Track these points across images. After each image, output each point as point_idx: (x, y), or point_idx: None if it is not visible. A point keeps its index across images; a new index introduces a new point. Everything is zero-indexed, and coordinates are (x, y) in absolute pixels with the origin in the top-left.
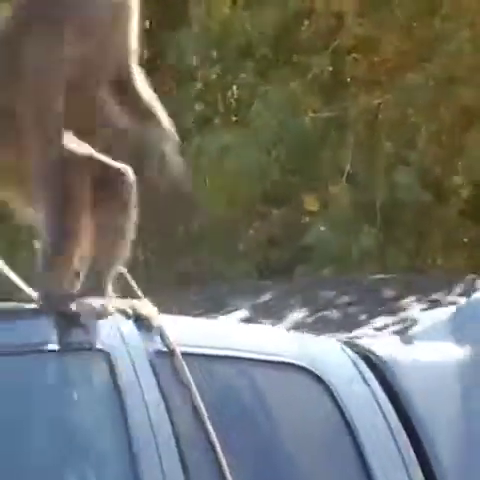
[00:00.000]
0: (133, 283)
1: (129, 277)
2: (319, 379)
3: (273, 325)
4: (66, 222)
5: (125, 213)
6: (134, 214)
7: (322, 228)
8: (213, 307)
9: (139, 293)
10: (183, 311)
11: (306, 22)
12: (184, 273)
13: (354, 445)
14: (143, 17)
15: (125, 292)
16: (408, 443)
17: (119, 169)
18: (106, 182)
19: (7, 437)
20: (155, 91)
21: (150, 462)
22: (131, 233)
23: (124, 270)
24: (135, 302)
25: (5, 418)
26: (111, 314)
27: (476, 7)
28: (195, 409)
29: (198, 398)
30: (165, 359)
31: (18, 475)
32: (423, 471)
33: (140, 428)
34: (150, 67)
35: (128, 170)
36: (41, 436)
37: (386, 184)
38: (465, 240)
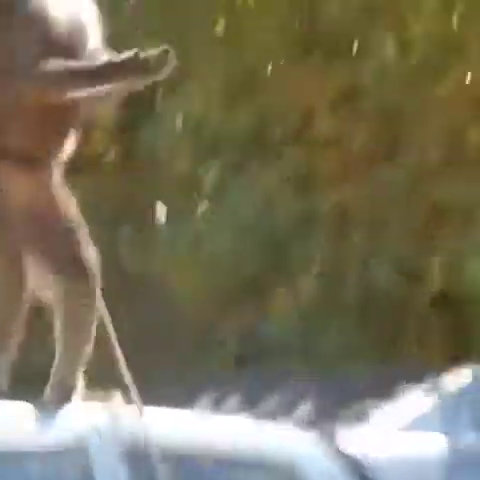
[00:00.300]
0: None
1: (124, 368)
2: (297, 474)
3: (250, 417)
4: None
5: (90, 308)
6: (96, 308)
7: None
8: (189, 398)
9: (127, 380)
10: (157, 402)
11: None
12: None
13: None
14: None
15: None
16: None
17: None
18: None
19: None
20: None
21: None
22: (92, 325)
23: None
24: (109, 396)
25: None
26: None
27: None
28: None
29: None
30: (138, 454)
31: None
32: None
33: None
34: (122, 161)
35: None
36: None
37: (358, 275)
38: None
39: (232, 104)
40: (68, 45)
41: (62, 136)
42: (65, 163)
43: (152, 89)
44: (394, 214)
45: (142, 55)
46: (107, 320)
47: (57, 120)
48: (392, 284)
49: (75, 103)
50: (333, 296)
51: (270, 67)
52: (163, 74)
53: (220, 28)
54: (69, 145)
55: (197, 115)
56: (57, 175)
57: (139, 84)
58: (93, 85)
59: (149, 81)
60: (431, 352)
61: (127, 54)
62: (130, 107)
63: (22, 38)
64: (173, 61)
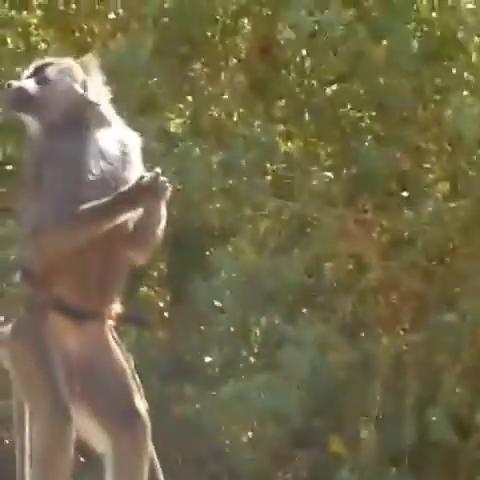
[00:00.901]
0: None
1: None
2: None
3: None
4: None
5: (141, 459)
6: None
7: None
8: None
9: None
10: None
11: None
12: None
13: None
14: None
15: None
16: None
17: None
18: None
19: None
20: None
21: None
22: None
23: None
24: None
25: None
26: None
27: None
28: None
29: None
30: None
31: None
32: None
33: None
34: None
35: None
36: None
37: (415, 425)
38: None
39: (284, 253)
40: (113, 177)
41: (113, 289)
42: (117, 315)
43: (204, 239)
44: (451, 359)
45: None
46: (157, 471)
47: (107, 273)
48: (446, 434)
49: (122, 256)
50: (390, 443)
51: (318, 215)
52: (164, 199)
53: (269, 177)
54: (119, 298)
55: (249, 265)
56: (109, 327)
57: (155, 210)
58: (111, 218)
59: (158, 206)
60: None
61: (136, 179)
62: (180, 256)
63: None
64: (168, 186)
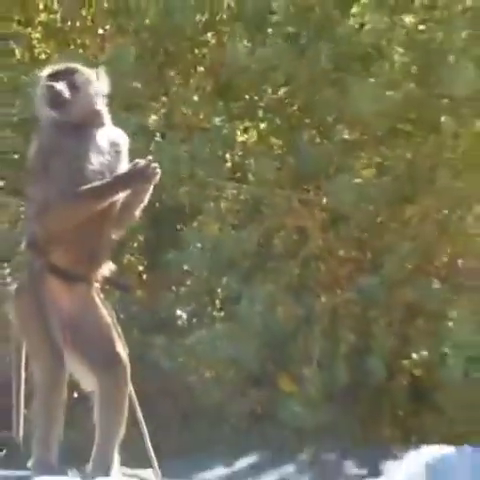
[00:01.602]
0: (149, 449)
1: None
2: None
3: None
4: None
5: (122, 395)
6: (127, 396)
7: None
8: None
9: (153, 462)
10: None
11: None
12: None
13: None
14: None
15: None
16: None
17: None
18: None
19: None
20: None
21: None
22: (124, 411)
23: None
24: (141, 472)
25: None
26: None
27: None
28: None
29: None
30: None
31: None
32: None
33: None
34: (150, 273)
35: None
36: None
37: (349, 368)
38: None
39: (241, 227)
40: (108, 168)
41: (100, 257)
42: (102, 278)
43: (176, 216)
44: (376, 314)
45: (140, 165)
46: (136, 404)
47: (96, 244)
48: (376, 374)
49: (108, 229)
50: (328, 382)
51: (269, 196)
52: (154, 182)
53: (229, 165)
54: (105, 264)
55: (212, 237)
56: (96, 289)
57: (144, 191)
58: (109, 197)
59: (148, 188)
60: (406, 433)
61: (131, 165)
62: (156, 230)
63: (73, 166)
64: (158, 172)
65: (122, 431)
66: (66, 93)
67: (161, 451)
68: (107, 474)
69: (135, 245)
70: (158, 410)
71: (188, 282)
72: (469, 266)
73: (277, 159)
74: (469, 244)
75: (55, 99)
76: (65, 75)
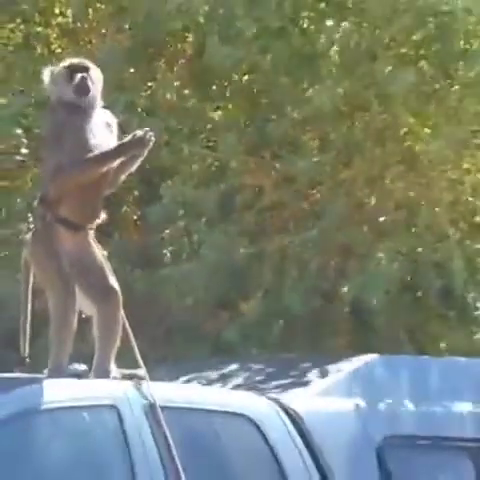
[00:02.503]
0: (138, 357)
1: (138, 354)
2: (256, 424)
3: (224, 387)
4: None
5: (116, 318)
6: (120, 317)
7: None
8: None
9: (140, 363)
10: (163, 378)
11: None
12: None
13: (279, 470)
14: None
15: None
16: (313, 467)
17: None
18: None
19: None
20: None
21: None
22: (119, 330)
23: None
24: (136, 371)
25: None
26: (117, 378)
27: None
28: (169, 447)
29: (171, 440)
30: (152, 410)
31: None
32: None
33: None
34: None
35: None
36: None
37: (292, 296)
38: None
39: (208, 186)
40: (106, 140)
41: (97, 210)
42: (97, 227)
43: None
44: (315, 254)
45: (138, 134)
46: (126, 324)
47: (94, 200)
48: (313, 301)
49: (104, 188)
50: (275, 308)
51: (232, 160)
52: (149, 148)
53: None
54: (100, 215)
55: (185, 193)
56: (92, 235)
57: (140, 156)
58: (112, 161)
59: (144, 154)
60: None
61: (130, 136)
62: (146, 187)
63: (74, 142)
64: (153, 139)
65: (116, 345)
66: (91, 85)
67: (148, 360)
68: (107, 377)
69: (130, 199)
70: (145, 329)
71: (166, 227)
72: (391, 216)
73: (240, 132)
74: (390, 198)
75: (83, 88)
76: (83, 70)
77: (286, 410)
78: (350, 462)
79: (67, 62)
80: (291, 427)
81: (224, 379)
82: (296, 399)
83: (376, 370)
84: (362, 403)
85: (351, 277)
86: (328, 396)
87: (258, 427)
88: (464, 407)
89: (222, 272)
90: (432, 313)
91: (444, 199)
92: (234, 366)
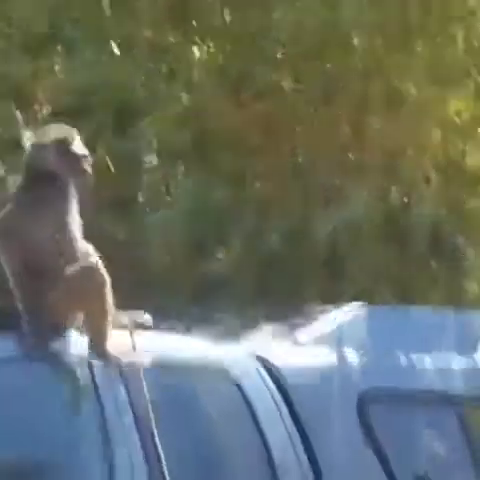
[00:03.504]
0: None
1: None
2: (233, 378)
3: (200, 338)
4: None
5: (103, 296)
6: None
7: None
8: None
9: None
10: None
11: None
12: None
13: (255, 423)
14: None
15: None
16: (291, 422)
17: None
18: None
19: None
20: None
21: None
22: (109, 306)
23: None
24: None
25: None
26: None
27: None
28: (146, 403)
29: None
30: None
31: None
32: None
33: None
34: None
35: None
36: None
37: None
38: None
39: (185, 126)
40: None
41: None
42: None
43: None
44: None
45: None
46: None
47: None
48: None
49: None
50: (250, 252)
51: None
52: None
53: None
54: None
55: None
56: None
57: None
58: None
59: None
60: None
61: None
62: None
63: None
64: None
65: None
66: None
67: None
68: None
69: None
70: (129, 276)
71: (144, 168)
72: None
73: (219, 71)
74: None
75: (82, 169)
76: (74, 146)
77: (264, 363)
78: (330, 416)
79: (58, 134)
80: (269, 381)
81: (200, 329)
82: (274, 351)
83: (360, 321)
84: (344, 355)
85: (326, 219)
86: (308, 348)
87: (235, 381)
88: (450, 361)
89: (199, 217)
90: (418, 263)
91: (430, 142)
92: (213, 316)
